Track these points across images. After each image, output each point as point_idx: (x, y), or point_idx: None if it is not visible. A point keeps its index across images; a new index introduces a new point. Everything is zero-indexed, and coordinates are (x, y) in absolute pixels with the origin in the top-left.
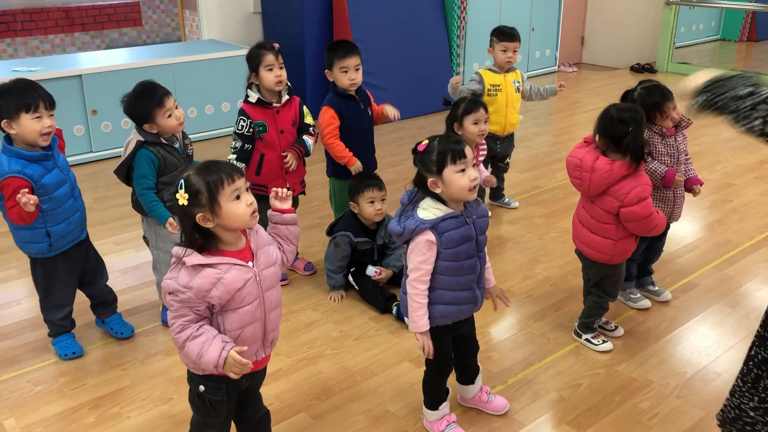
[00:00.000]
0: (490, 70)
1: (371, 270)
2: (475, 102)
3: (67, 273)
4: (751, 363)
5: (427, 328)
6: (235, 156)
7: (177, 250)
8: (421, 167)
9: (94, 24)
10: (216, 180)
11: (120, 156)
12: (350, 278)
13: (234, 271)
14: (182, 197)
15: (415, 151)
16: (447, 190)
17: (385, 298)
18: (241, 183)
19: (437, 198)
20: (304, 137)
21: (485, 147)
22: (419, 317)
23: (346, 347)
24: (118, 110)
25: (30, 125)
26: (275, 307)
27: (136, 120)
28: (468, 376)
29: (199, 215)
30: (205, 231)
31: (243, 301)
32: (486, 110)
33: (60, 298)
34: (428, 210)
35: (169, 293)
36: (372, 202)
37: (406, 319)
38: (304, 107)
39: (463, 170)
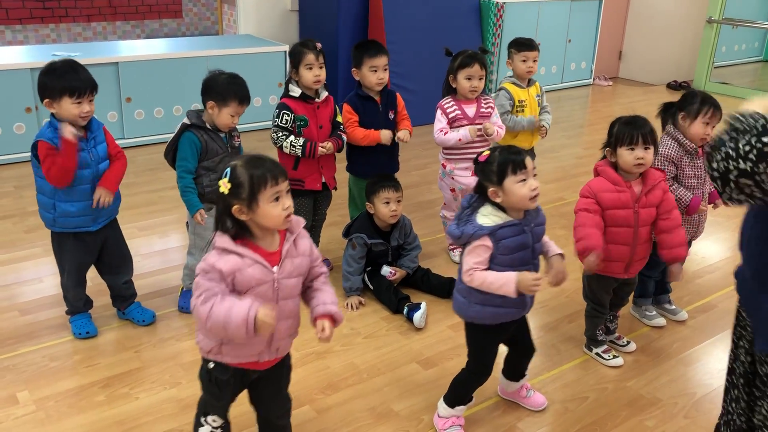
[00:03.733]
0: (513, 84)
1: (386, 270)
2: (472, 57)
3: (75, 257)
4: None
5: (514, 275)
6: (290, 145)
7: (214, 235)
8: (482, 177)
9: (136, 14)
10: (261, 178)
11: (151, 143)
12: (365, 278)
13: (256, 269)
14: (225, 185)
15: (476, 161)
16: (507, 200)
17: (398, 299)
18: (284, 186)
19: (497, 206)
20: (339, 133)
21: (488, 99)
22: (502, 283)
23: (355, 344)
24: (152, 99)
25: (69, 108)
26: (287, 317)
27: (209, 95)
28: (516, 373)
29: (235, 207)
30: (239, 222)
31: (260, 298)
32: (483, 67)
33: (67, 280)
34: (488, 217)
35: (198, 274)
36: (387, 202)
37: (416, 320)
38: (338, 107)
39: (523, 180)
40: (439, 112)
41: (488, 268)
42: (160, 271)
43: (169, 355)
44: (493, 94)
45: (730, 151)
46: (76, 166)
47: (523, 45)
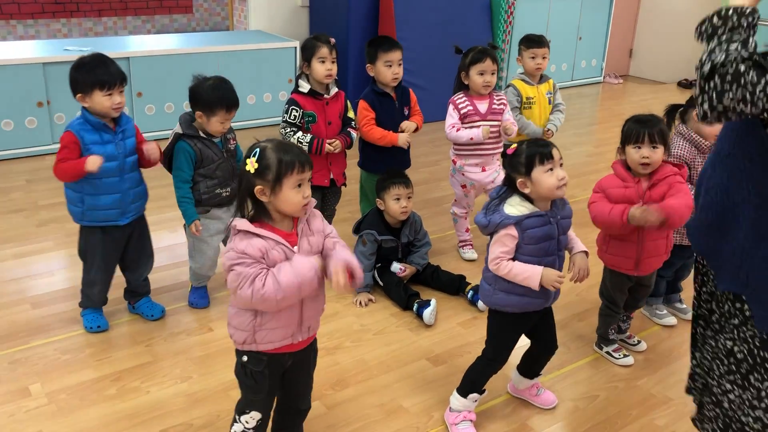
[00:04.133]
0: (523, 81)
1: (396, 267)
2: (483, 52)
3: (103, 252)
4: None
5: (540, 269)
6: (296, 141)
7: (230, 222)
8: (510, 169)
9: (146, 9)
10: (289, 163)
11: (161, 138)
12: (375, 274)
13: (279, 250)
14: (252, 164)
15: (504, 154)
16: (535, 190)
17: (407, 296)
18: (307, 175)
19: (525, 197)
20: (349, 130)
21: (500, 95)
22: (527, 276)
23: (365, 341)
24: (163, 94)
25: (101, 101)
26: (314, 295)
27: (196, 105)
28: (532, 370)
29: (258, 187)
30: (258, 202)
31: None
32: (494, 62)
33: (95, 275)
34: (515, 207)
35: (231, 266)
36: (398, 199)
37: (426, 317)
38: (348, 102)
39: (551, 170)
40: (451, 107)
41: (513, 258)
42: (171, 266)
43: (180, 349)
44: (502, 92)
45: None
46: (80, 177)
47: (532, 42)
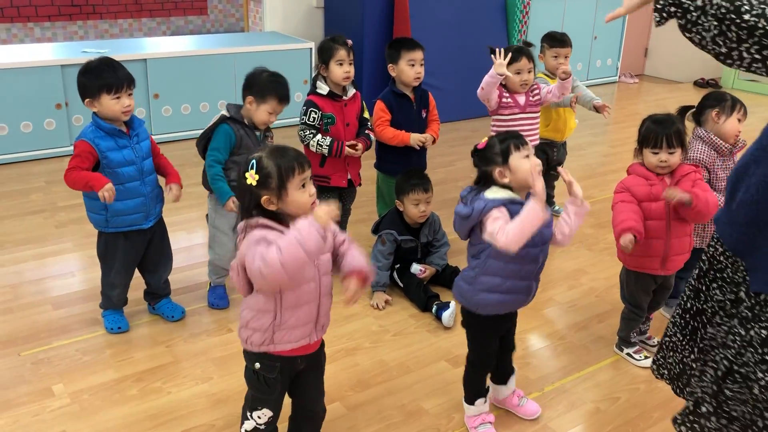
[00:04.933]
0: (546, 75)
1: (416, 268)
2: (519, 51)
3: (125, 256)
4: (687, 315)
5: (532, 200)
6: (316, 144)
7: (240, 225)
8: (484, 163)
9: (162, 11)
10: (288, 167)
11: (178, 140)
12: (395, 275)
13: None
14: (252, 177)
15: (475, 150)
16: (515, 177)
17: (426, 297)
18: (308, 173)
19: (504, 187)
20: (368, 132)
21: (537, 85)
22: (530, 215)
23: (384, 342)
24: (179, 95)
25: (110, 105)
26: (328, 292)
27: (250, 91)
28: (501, 374)
29: (264, 198)
30: (267, 212)
31: (303, 279)
32: (530, 60)
33: (115, 278)
34: (497, 193)
35: (249, 247)
36: (417, 204)
37: (445, 319)
38: (364, 103)
39: (527, 156)
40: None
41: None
42: (188, 267)
43: (201, 350)
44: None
45: None
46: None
47: (555, 40)
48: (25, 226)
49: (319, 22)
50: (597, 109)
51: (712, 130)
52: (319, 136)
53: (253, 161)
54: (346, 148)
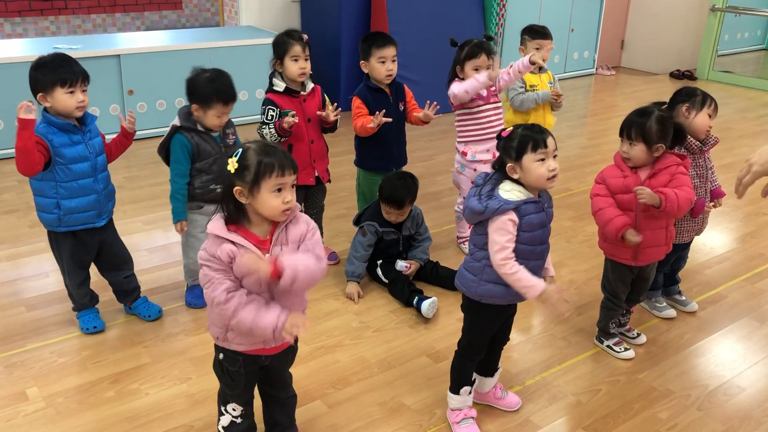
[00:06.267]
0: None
1: (401, 265)
2: (479, 47)
3: (73, 255)
4: None
5: (544, 284)
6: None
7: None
8: (503, 153)
9: (135, 6)
10: (268, 165)
11: (154, 136)
12: (378, 271)
13: (247, 257)
14: (233, 164)
15: (499, 137)
16: (525, 177)
17: (410, 291)
18: (289, 179)
19: (516, 182)
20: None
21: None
22: (530, 283)
23: (364, 338)
24: (154, 91)
25: (63, 99)
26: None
27: (192, 98)
28: (490, 366)
29: (237, 188)
30: (237, 203)
31: (249, 287)
32: (489, 56)
33: (71, 278)
34: (511, 192)
35: (202, 264)
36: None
37: (424, 309)
38: (325, 95)
39: (542, 159)
40: (454, 82)
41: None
42: (165, 265)
43: (178, 350)
44: None
45: None
46: (31, 151)
47: (537, 33)
48: None
49: (295, 16)
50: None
51: (683, 124)
52: (267, 128)
53: (240, 150)
54: (287, 119)
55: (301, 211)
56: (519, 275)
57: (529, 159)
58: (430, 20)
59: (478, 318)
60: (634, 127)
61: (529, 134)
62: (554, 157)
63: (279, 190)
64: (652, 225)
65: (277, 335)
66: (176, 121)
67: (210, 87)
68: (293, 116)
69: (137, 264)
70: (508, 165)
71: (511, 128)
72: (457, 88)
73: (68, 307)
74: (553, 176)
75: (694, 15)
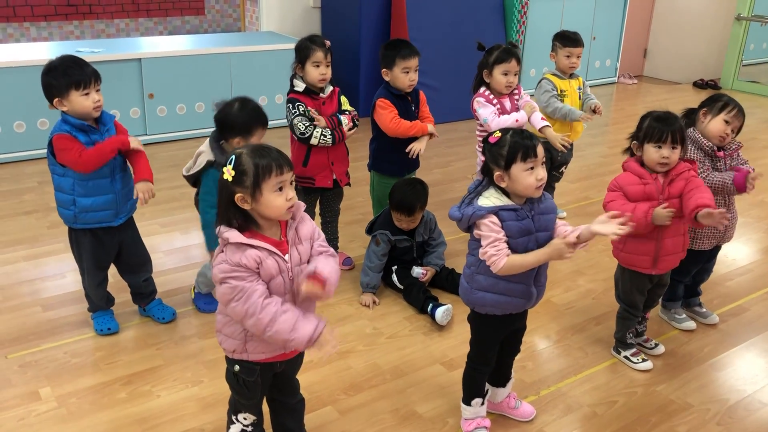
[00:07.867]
0: (554, 75)
1: (418, 272)
2: (508, 52)
3: (93, 254)
4: None
5: (546, 247)
6: (320, 135)
7: (220, 228)
8: (490, 159)
9: (158, 11)
10: (265, 167)
11: (173, 140)
12: (393, 278)
13: (272, 260)
14: (229, 172)
15: (486, 141)
16: (512, 186)
17: (425, 298)
18: (288, 176)
19: (502, 190)
20: (338, 115)
21: (518, 87)
22: (537, 258)
23: (378, 344)
24: (174, 95)
25: (80, 101)
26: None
27: (233, 132)
28: (501, 376)
29: (238, 195)
30: (242, 211)
31: (273, 290)
32: (518, 62)
33: (88, 279)
34: (489, 199)
35: (224, 278)
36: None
37: (438, 316)
38: (342, 96)
39: (531, 168)
40: (482, 100)
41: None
42: (182, 268)
43: (191, 352)
44: (524, 91)
45: None
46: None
47: (568, 40)
48: (18, 226)
49: (316, 22)
50: (594, 110)
51: (699, 130)
52: (318, 129)
53: (233, 156)
54: (345, 130)
55: (305, 211)
56: (521, 261)
57: (518, 168)
58: (450, 27)
59: (479, 328)
60: (678, 129)
61: (519, 142)
62: (542, 164)
63: (280, 188)
64: (672, 232)
65: (309, 346)
66: (209, 154)
67: (246, 116)
68: (317, 113)
69: (153, 266)
70: (496, 173)
71: (499, 133)
72: (493, 122)
73: (83, 308)
74: (541, 185)
75: (719, 24)
